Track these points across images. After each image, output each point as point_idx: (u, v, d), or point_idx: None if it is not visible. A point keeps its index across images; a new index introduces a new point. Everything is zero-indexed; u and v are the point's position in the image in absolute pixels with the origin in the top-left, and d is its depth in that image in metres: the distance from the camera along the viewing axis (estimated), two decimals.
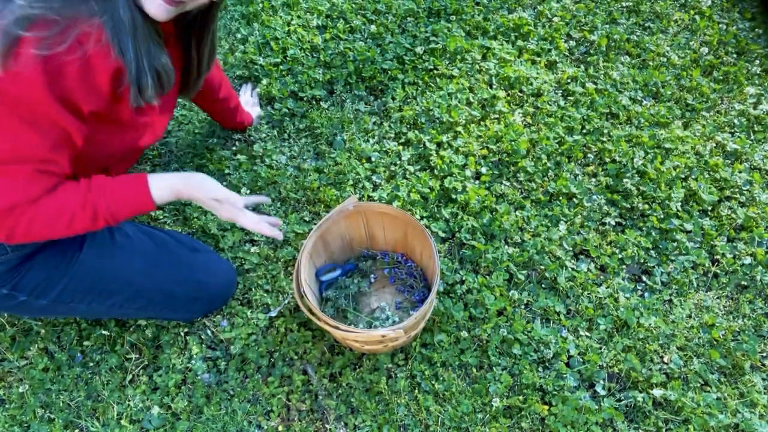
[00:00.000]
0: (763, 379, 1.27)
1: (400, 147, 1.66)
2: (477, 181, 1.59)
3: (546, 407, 1.21)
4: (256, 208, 1.54)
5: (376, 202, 1.32)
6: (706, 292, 1.41)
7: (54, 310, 1.16)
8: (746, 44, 1.95)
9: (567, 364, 1.29)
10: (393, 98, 1.78)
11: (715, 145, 1.68)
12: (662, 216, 1.52)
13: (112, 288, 1.15)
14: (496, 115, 1.73)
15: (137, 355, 1.32)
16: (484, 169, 1.60)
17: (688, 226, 1.50)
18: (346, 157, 1.62)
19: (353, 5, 2.02)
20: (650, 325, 1.33)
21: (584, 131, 1.70)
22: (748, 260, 1.44)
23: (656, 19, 2.04)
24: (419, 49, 1.87)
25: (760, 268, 1.43)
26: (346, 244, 1.40)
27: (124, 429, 1.22)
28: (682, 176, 1.60)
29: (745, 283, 1.42)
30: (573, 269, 1.43)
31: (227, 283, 1.35)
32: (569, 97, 1.78)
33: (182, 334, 1.34)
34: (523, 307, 1.38)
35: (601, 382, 1.26)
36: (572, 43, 1.94)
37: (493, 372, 1.27)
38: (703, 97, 1.80)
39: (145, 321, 1.35)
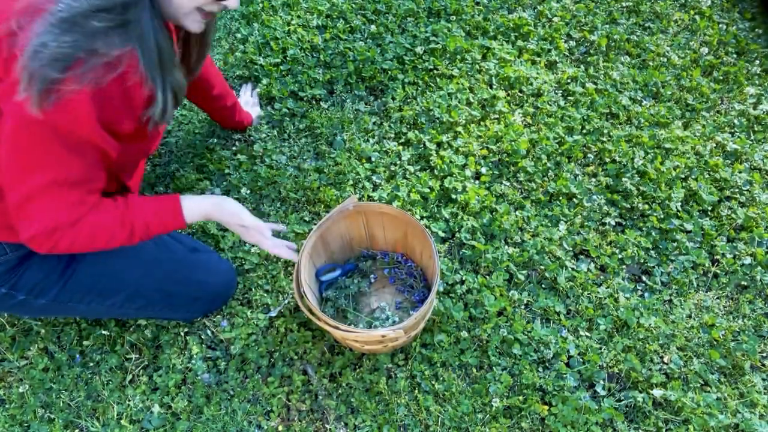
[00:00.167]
0: (763, 379, 1.27)
1: (400, 147, 1.66)
2: (477, 181, 1.59)
3: (546, 407, 1.21)
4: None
5: (376, 202, 1.32)
6: (706, 292, 1.41)
7: (53, 310, 1.16)
8: (746, 44, 1.95)
9: (567, 364, 1.29)
10: (393, 98, 1.78)
11: (715, 145, 1.68)
12: (662, 216, 1.52)
13: (112, 288, 1.15)
14: (496, 115, 1.73)
15: (137, 355, 1.32)
16: (484, 169, 1.60)
17: (688, 226, 1.50)
18: (346, 157, 1.62)
19: (353, 5, 2.02)
20: (650, 325, 1.33)
21: (584, 131, 1.70)
22: (748, 260, 1.44)
23: (656, 19, 2.04)
24: (419, 49, 1.87)
25: (760, 268, 1.43)
26: (346, 244, 1.40)
27: (124, 429, 1.22)
28: (682, 176, 1.60)
29: (745, 283, 1.42)
30: (573, 269, 1.43)
31: (227, 283, 1.35)
32: (569, 97, 1.78)
33: (182, 334, 1.34)
34: (523, 307, 1.38)
35: (601, 382, 1.26)
36: (572, 43, 1.94)
37: (493, 372, 1.27)
38: (703, 97, 1.80)
39: (145, 321, 1.35)
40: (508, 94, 1.79)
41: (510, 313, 1.35)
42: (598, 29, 1.97)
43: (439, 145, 1.66)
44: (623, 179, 1.58)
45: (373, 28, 1.94)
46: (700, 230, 1.49)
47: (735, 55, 1.93)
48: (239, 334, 1.33)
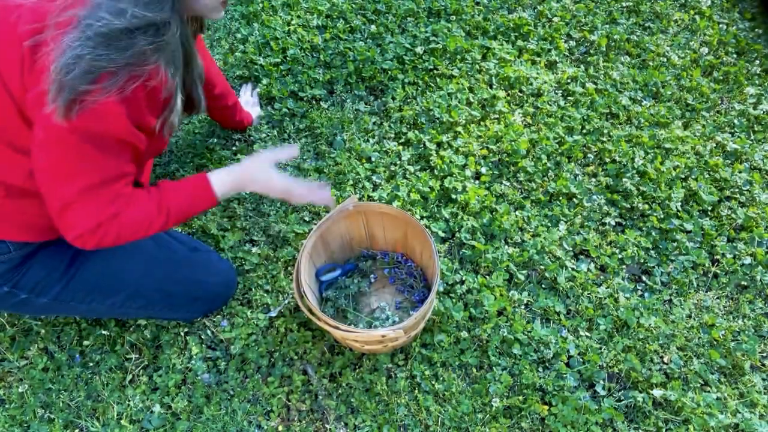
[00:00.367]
0: (763, 379, 1.27)
1: (400, 147, 1.66)
2: (477, 181, 1.59)
3: (546, 407, 1.21)
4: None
5: (376, 202, 1.32)
6: (706, 292, 1.41)
7: (54, 309, 1.16)
8: (746, 44, 1.95)
9: (567, 364, 1.29)
10: (393, 98, 1.78)
11: (715, 145, 1.68)
12: (662, 216, 1.52)
13: (113, 287, 1.15)
14: (496, 115, 1.73)
15: (137, 355, 1.32)
16: (484, 169, 1.60)
17: (688, 226, 1.50)
18: (346, 157, 1.62)
19: (353, 5, 2.02)
20: (650, 325, 1.33)
21: (584, 131, 1.70)
22: (748, 260, 1.44)
23: (656, 19, 2.04)
24: (419, 49, 1.87)
25: (760, 268, 1.43)
26: (346, 244, 1.40)
27: (124, 429, 1.22)
28: (682, 176, 1.60)
29: (745, 283, 1.42)
30: (573, 269, 1.43)
31: (227, 283, 1.35)
32: (569, 97, 1.78)
33: (182, 334, 1.34)
34: (523, 307, 1.38)
35: (601, 382, 1.26)
36: (572, 43, 1.94)
37: (493, 372, 1.27)
38: (703, 97, 1.79)
39: (145, 321, 1.35)
40: (508, 94, 1.79)
41: (510, 313, 1.35)
42: (598, 29, 1.97)
43: (439, 145, 1.66)
44: (623, 179, 1.58)
45: (373, 28, 1.94)
46: (700, 230, 1.49)
47: (735, 55, 1.93)
48: (239, 334, 1.33)
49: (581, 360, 1.29)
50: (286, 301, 1.38)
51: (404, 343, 1.26)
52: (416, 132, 1.68)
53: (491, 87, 1.80)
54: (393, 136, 1.70)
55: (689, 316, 1.36)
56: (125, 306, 1.20)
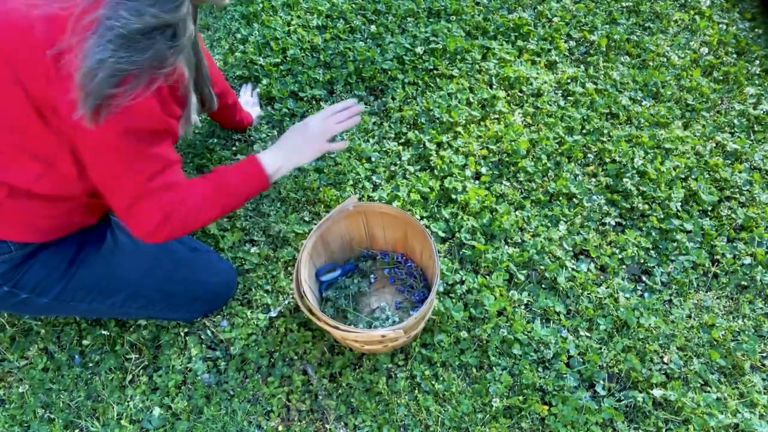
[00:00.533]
0: (763, 379, 1.27)
1: (400, 147, 1.66)
2: (477, 181, 1.59)
3: (546, 407, 1.21)
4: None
5: (376, 202, 1.32)
6: (706, 292, 1.41)
7: (55, 309, 1.16)
8: (746, 44, 1.95)
9: (567, 364, 1.29)
10: (393, 98, 1.78)
11: (715, 145, 1.68)
12: (662, 216, 1.52)
13: (113, 287, 1.15)
14: (496, 115, 1.73)
15: (137, 356, 1.32)
16: (484, 169, 1.60)
17: (688, 226, 1.50)
18: (346, 157, 1.62)
19: (353, 5, 2.02)
20: (650, 325, 1.33)
21: (584, 131, 1.70)
22: (748, 260, 1.44)
23: (656, 19, 2.04)
24: (419, 49, 1.87)
25: (760, 268, 1.43)
26: (346, 244, 1.40)
27: (124, 429, 1.22)
28: (682, 176, 1.60)
29: (745, 283, 1.42)
30: (573, 269, 1.43)
31: (227, 283, 1.35)
32: (569, 97, 1.78)
33: (182, 334, 1.34)
34: (523, 307, 1.38)
35: (601, 382, 1.26)
36: (572, 43, 1.94)
37: (493, 372, 1.27)
38: (703, 97, 1.80)
39: (145, 321, 1.35)
40: (508, 94, 1.79)
41: (510, 313, 1.34)
42: (598, 29, 1.97)
43: (439, 145, 1.66)
44: (623, 179, 1.58)
45: (373, 28, 1.94)
46: (700, 230, 1.49)
47: (735, 55, 1.93)
48: (239, 334, 1.33)
49: (581, 360, 1.29)
50: (286, 301, 1.38)
51: (404, 343, 1.26)
52: (416, 132, 1.68)
53: (491, 87, 1.80)
54: (393, 136, 1.70)
55: (689, 316, 1.36)
56: (125, 306, 1.20)
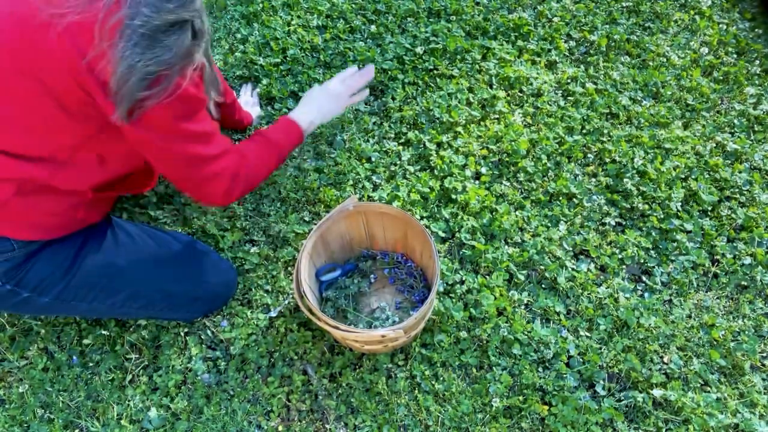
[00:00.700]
0: (763, 379, 1.27)
1: (400, 147, 1.66)
2: (477, 181, 1.59)
3: (546, 407, 1.21)
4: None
5: (376, 202, 1.32)
6: (706, 292, 1.41)
7: (56, 309, 1.16)
8: (746, 44, 1.95)
9: (567, 364, 1.29)
10: (393, 98, 1.78)
11: (715, 145, 1.68)
12: (662, 216, 1.52)
13: (114, 287, 1.15)
14: (496, 115, 1.73)
15: (137, 356, 1.32)
16: (484, 169, 1.60)
17: (688, 226, 1.50)
18: (346, 157, 1.62)
19: (353, 5, 2.02)
20: (650, 325, 1.33)
21: (584, 131, 1.70)
22: (748, 260, 1.44)
23: (656, 19, 2.04)
24: (419, 49, 1.87)
25: (760, 268, 1.43)
26: (346, 244, 1.40)
27: (124, 429, 1.22)
28: (682, 176, 1.60)
29: (745, 283, 1.42)
30: (573, 269, 1.43)
31: (227, 282, 1.35)
32: (569, 97, 1.78)
33: (182, 334, 1.34)
34: (523, 307, 1.38)
35: (601, 382, 1.26)
36: (572, 43, 1.94)
37: (493, 372, 1.27)
38: (703, 97, 1.79)
39: (145, 321, 1.35)
40: (508, 94, 1.79)
41: (510, 313, 1.34)
42: (598, 29, 1.97)
43: (439, 145, 1.66)
44: (623, 179, 1.58)
45: (373, 28, 1.94)
46: (700, 230, 1.49)
47: (735, 55, 1.93)
48: (239, 334, 1.33)
49: (581, 360, 1.29)
50: (286, 301, 1.38)
51: (404, 343, 1.26)
52: (416, 132, 1.68)
53: (491, 87, 1.80)
54: (393, 136, 1.70)
55: (689, 316, 1.36)
56: (125, 306, 1.20)
